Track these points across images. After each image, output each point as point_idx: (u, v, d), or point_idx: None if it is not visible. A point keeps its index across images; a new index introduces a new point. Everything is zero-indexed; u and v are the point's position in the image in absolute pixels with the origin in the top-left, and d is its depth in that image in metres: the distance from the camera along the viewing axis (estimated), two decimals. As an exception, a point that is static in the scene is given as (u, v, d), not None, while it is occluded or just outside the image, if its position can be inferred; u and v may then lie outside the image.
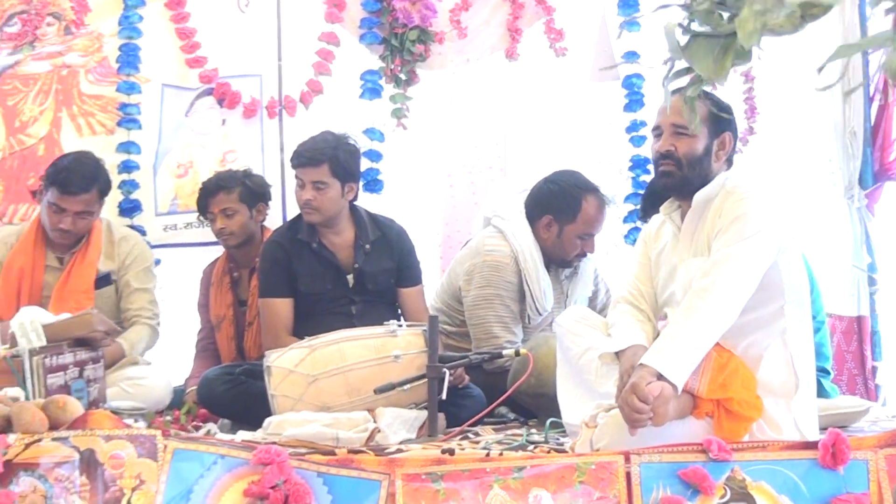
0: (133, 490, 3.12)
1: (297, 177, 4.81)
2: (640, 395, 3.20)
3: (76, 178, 4.82)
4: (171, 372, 5.14)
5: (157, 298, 5.14)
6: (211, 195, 5.21)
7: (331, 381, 4.09)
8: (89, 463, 3.13)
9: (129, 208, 5.73)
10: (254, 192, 5.23)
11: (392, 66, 5.97)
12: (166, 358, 5.33)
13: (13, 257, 4.96)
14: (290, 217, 5.13)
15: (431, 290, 5.16)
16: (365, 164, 5.77)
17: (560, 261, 4.89)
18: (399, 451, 3.49)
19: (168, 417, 4.60)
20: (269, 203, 5.35)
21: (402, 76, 5.99)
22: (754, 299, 3.38)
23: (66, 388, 3.87)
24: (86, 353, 4.12)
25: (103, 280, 5.01)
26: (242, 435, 3.86)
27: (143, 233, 5.53)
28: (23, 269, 4.92)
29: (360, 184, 5.03)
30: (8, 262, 4.95)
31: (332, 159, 4.69)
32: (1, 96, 5.82)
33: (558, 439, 3.75)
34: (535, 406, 4.34)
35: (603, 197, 4.84)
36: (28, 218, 5.53)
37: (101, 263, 5.01)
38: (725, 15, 2.17)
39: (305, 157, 4.75)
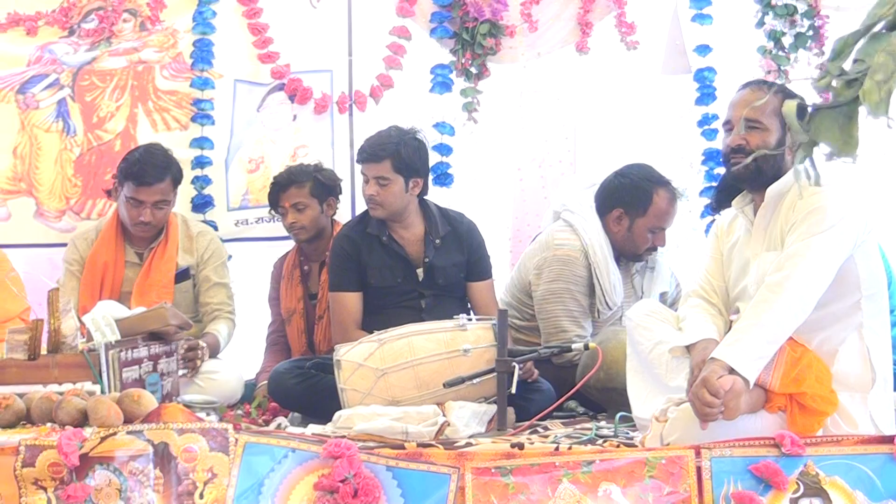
0: (205, 483, 3.15)
1: (361, 172, 4.82)
2: (712, 389, 3.17)
3: (150, 169, 4.88)
4: (242, 366, 5.17)
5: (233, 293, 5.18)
6: (282, 190, 5.22)
7: (400, 374, 4.07)
8: (163, 456, 3.16)
9: (201, 203, 5.76)
10: (324, 186, 5.23)
11: (463, 60, 5.95)
12: (238, 352, 5.35)
13: (96, 253, 5.04)
14: (360, 212, 5.11)
15: (501, 284, 5.13)
16: (435, 158, 5.77)
17: (631, 254, 4.84)
18: (468, 444, 3.46)
19: (239, 411, 4.62)
20: (340, 197, 5.36)
21: (473, 70, 5.96)
22: (829, 293, 3.33)
23: (140, 382, 3.91)
24: (159, 347, 4.17)
25: (182, 275, 5.08)
26: (312, 428, 3.86)
27: (215, 228, 5.57)
28: (106, 265, 5.00)
29: (430, 178, 5.01)
30: (91, 258, 5.03)
31: (394, 155, 4.68)
32: (79, 92, 5.88)
33: (628, 433, 3.71)
34: (604, 400, 4.31)
35: (674, 190, 4.78)
36: (105, 213, 5.59)
37: (180, 258, 5.08)
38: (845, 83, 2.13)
39: (368, 152, 4.75)
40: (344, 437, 3.40)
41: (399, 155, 4.68)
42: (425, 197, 4.92)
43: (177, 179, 5.04)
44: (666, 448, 3.18)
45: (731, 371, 3.21)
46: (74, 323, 3.96)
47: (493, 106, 6.03)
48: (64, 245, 5.35)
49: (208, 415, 3.83)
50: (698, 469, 3.01)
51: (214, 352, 4.88)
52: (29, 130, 5.88)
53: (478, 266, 4.88)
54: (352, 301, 4.75)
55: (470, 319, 4.27)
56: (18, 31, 5.90)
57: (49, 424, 3.37)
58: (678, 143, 5.86)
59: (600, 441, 3.53)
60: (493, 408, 3.93)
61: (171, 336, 4.25)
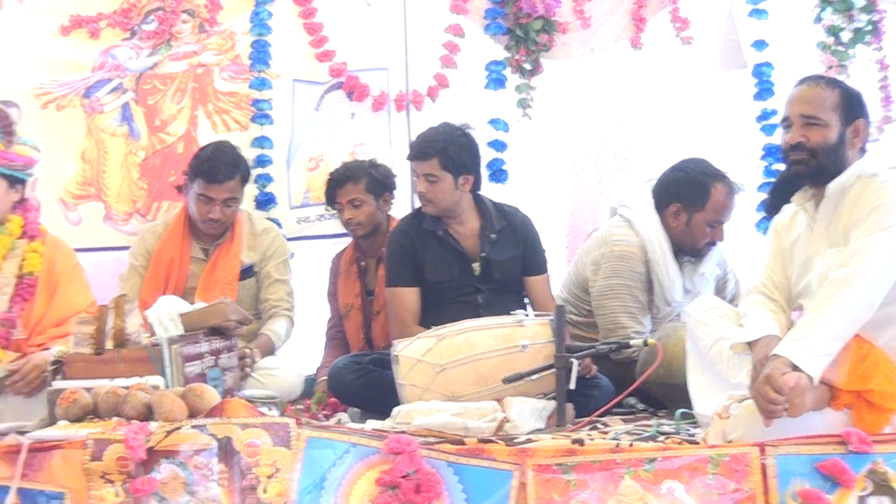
0: (269, 478, 3.14)
1: (412, 169, 4.80)
2: (775, 386, 3.13)
3: (220, 167, 4.90)
4: (302, 361, 5.17)
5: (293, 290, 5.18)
6: (338, 186, 5.21)
7: (459, 370, 4.04)
8: (226, 451, 3.16)
9: (264, 201, 5.77)
10: (380, 182, 5.22)
11: (517, 57, 5.93)
12: (298, 348, 5.35)
13: (162, 248, 5.06)
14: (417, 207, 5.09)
15: (558, 280, 5.08)
16: (490, 154, 5.77)
17: (689, 249, 4.76)
18: (528, 441, 3.42)
19: (299, 406, 4.61)
20: (395, 193, 5.34)
21: (527, 66, 5.95)
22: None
23: (202, 377, 3.90)
24: (220, 342, 4.16)
25: (246, 272, 5.08)
26: (372, 424, 3.84)
27: (279, 226, 5.56)
28: (172, 260, 5.03)
29: (486, 173, 4.99)
30: (158, 252, 5.06)
31: (441, 153, 4.66)
32: (142, 96, 5.92)
33: (689, 430, 3.65)
34: (665, 396, 4.25)
35: (732, 184, 4.70)
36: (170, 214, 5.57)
37: (245, 255, 5.09)
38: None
39: (416, 150, 4.75)
40: (404, 432, 3.38)
41: (446, 152, 4.65)
42: (479, 192, 4.88)
43: (245, 177, 5.06)
44: (730, 445, 3.13)
45: (794, 368, 3.16)
46: (138, 320, 3.98)
47: (547, 102, 6.00)
48: (127, 247, 5.37)
49: (269, 410, 3.81)
50: (763, 466, 2.96)
51: (269, 351, 4.87)
52: (95, 135, 5.93)
53: (534, 260, 4.84)
54: (409, 296, 4.73)
55: (527, 315, 4.23)
56: (81, 34, 5.94)
57: (115, 419, 3.37)
58: (735, 138, 5.80)
59: (661, 438, 3.49)
60: (552, 404, 3.89)
61: (231, 331, 4.24)
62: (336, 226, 5.51)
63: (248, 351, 4.53)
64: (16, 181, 4.45)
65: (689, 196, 4.68)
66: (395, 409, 3.89)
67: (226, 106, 5.89)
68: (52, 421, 3.50)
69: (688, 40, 5.87)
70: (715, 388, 3.56)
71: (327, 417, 4.40)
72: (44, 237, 4.53)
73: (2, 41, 5.88)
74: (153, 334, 3.98)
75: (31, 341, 4.35)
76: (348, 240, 5.44)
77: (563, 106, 6.07)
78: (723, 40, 5.82)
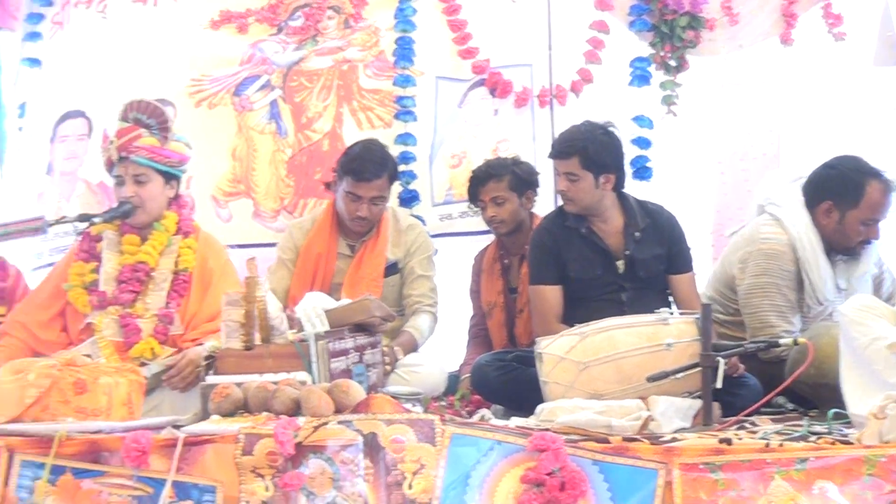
0: (414, 474, 3.16)
1: (555, 166, 4.79)
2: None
3: (369, 165, 4.95)
4: (445, 358, 5.18)
5: (436, 285, 5.20)
6: (481, 184, 5.21)
7: (602, 368, 3.99)
8: (372, 446, 3.18)
9: (408, 198, 5.79)
10: (522, 179, 5.20)
11: (662, 53, 5.87)
12: (441, 344, 5.37)
13: (310, 243, 5.14)
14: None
15: (703, 278, 5.00)
16: (634, 151, 5.72)
17: (842, 248, 4.62)
18: (674, 439, 3.37)
19: (443, 403, 4.62)
20: (538, 190, 5.31)
21: (672, 63, 5.89)
22: None
23: (347, 373, 3.92)
24: (364, 339, 4.19)
25: (391, 268, 5.12)
26: (516, 421, 3.81)
27: (423, 223, 5.58)
28: (319, 256, 5.10)
29: (630, 171, 4.94)
30: (306, 248, 5.14)
31: (581, 151, 4.60)
32: (288, 93, 6.00)
33: (842, 430, 3.52)
34: (816, 396, 4.14)
35: (888, 181, 4.55)
36: (315, 211, 5.61)
37: (390, 252, 5.12)
38: None
39: (557, 149, 4.72)
40: (548, 429, 3.35)
41: (586, 152, 4.60)
42: (623, 190, 4.82)
43: (393, 177, 5.11)
44: (886, 445, 3.05)
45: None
46: (277, 304, 4.04)
47: (692, 99, 5.93)
48: (275, 244, 5.43)
49: (413, 406, 3.83)
50: (921, 468, 2.86)
51: (413, 348, 4.90)
52: (245, 133, 6.01)
53: (679, 258, 4.77)
54: (552, 294, 4.69)
55: (672, 313, 4.17)
56: (230, 28, 6.07)
57: (265, 413, 3.42)
58: (889, 136, 5.65)
59: (813, 438, 3.38)
60: (698, 403, 3.82)
61: (375, 328, 4.27)
62: (479, 223, 5.49)
63: (385, 349, 4.55)
64: (171, 178, 4.58)
65: (842, 193, 4.55)
66: (539, 407, 3.86)
67: (370, 103, 5.92)
68: (204, 415, 3.56)
69: (840, 36, 5.74)
70: (871, 389, 3.44)
71: (470, 414, 4.38)
72: (197, 233, 4.63)
73: (157, 36, 6.04)
74: (299, 330, 4.01)
75: (185, 336, 4.45)
76: (491, 237, 5.43)
77: (710, 103, 5.98)
78: (878, 36, 5.66)
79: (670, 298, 4.76)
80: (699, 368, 3.81)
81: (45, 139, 6.17)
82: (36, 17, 6.33)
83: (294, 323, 4.06)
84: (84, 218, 4.53)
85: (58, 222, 4.58)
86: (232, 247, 5.06)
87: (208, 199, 5.98)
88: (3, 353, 4.33)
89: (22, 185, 6.21)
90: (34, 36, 6.32)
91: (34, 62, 6.29)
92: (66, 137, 6.14)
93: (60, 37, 6.29)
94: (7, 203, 6.12)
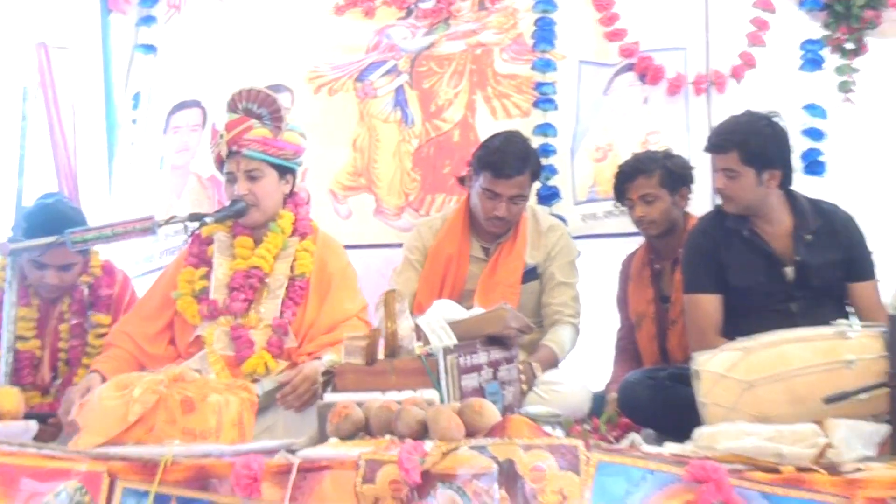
0: (556, 507, 3.07)
1: (712, 160, 4.74)
2: None
3: (510, 160, 4.93)
4: (589, 376, 5.15)
5: (579, 293, 5.16)
6: (628, 180, 5.14)
7: (770, 388, 3.85)
8: (509, 475, 3.08)
9: (548, 195, 5.79)
10: (675, 175, 5.12)
11: (837, 35, 5.73)
12: (585, 360, 5.35)
13: (440, 245, 5.14)
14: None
15: (889, 287, 4.76)
16: (804, 144, 5.61)
17: None
18: (857, 470, 3.22)
19: (587, 426, 4.50)
20: (692, 187, 5.22)
21: (849, 45, 5.75)
22: None
23: (480, 391, 3.88)
24: (499, 353, 4.13)
25: (530, 274, 5.10)
26: (670, 447, 3.68)
27: (564, 222, 5.52)
28: (450, 258, 5.10)
29: (799, 166, 4.87)
30: (435, 250, 5.14)
31: (741, 146, 4.51)
32: (416, 78, 6.07)
33: None
34: None
35: None
36: (444, 209, 5.69)
37: (528, 256, 5.10)
38: None
39: (713, 142, 4.64)
40: (708, 457, 3.24)
41: (747, 145, 4.50)
42: (791, 188, 4.70)
43: (536, 173, 5.08)
44: None
45: None
46: (410, 324, 3.97)
47: (872, 85, 5.77)
48: (399, 246, 5.47)
49: (554, 429, 3.72)
50: None
51: (552, 364, 4.87)
52: (367, 121, 6.10)
53: (859, 264, 4.62)
54: (710, 304, 4.60)
55: (852, 326, 3.99)
56: (356, 13, 6.17)
57: (388, 436, 3.36)
58: None
59: None
60: (885, 428, 3.62)
61: (511, 340, 4.21)
62: (626, 223, 5.40)
63: (521, 366, 4.49)
64: (286, 171, 4.60)
65: None
66: (697, 431, 3.69)
67: (506, 90, 5.95)
68: (321, 438, 3.52)
69: None
70: None
71: (618, 439, 4.24)
72: (315, 234, 4.65)
73: (280, 22, 6.15)
74: (426, 343, 3.96)
75: (301, 349, 4.47)
76: (640, 239, 5.36)
77: (892, 89, 5.82)
78: None
79: (849, 309, 4.62)
80: (886, 388, 3.64)
81: (158, 131, 6.32)
82: (151, 0, 6.48)
83: (420, 335, 4.01)
84: (195, 217, 4.53)
85: (168, 222, 4.58)
86: (351, 247, 5.10)
87: (326, 193, 6.09)
88: (109, 365, 4.41)
89: (134, 181, 6.38)
90: (149, 20, 6.53)
91: (149, 48, 6.53)
92: (178, 129, 6.31)
93: (176, 21, 6.46)
94: (118, 200, 6.29)
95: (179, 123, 6.26)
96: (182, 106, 6.27)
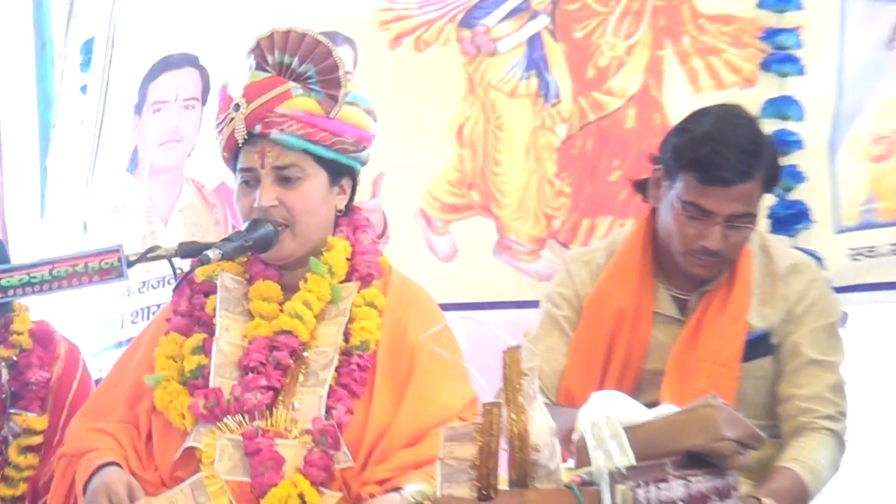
0: None
1: None
2: None
3: (730, 155, 4.77)
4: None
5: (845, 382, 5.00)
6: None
7: None
8: None
9: (788, 217, 5.69)
10: None
11: None
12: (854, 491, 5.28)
13: (604, 294, 5.03)
14: None
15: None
16: None
17: None
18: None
19: None
20: None
21: None
22: None
23: (675, 548, 3.79)
24: (705, 481, 3.95)
25: (758, 345, 4.93)
26: None
27: (819, 262, 5.41)
28: (620, 315, 4.97)
29: None
30: (595, 301, 5.04)
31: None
32: (564, 22, 6.10)
33: None
34: None
35: None
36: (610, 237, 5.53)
37: (755, 315, 4.95)
38: None
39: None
40: None
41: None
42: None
43: (771, 179, 4.94)
44: None
45: None
46: (547, 420, 3.78)
47: None
48: (535, 304, 5.38)
49: None
50: None
51: (797, 501, 4.70)
52: (482, 94, 6.15)
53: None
54: None
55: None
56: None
57: None
58: None
59: None
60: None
61: (726, 460, 4.00)
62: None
63: (759, 500, 4.36)
64: (341, 172, 4.50)
65: None
66: None
67: (716, 41, 5.89)
68: None
69: None
70: None
71: None
72: (386, 279, 4.56)
73: None
74: (584, 461, 3.78)
75: (365, 475, 4.35)
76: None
77: None
78: None
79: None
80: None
81: (126, 108, 6.40)
82: None
83: (570, 447, 3.87)
84: (189, 250, 4.43)
85: (145, 257, 4.47)
86: (453, 307, 5.31)
87: (413, 215, 6.16)
88: (116, 451, 4.41)
89: (84, 191, 6.46)
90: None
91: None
92: (162, 105, 6.38)
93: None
94: (56, 223, 6.39)
95: (163, 95, 6.33)
96: (167, 65, 6.35)
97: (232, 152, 4.46)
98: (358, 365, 4.37)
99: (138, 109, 6.31)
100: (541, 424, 3.70)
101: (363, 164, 4.60)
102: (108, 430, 4.48)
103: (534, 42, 6.05)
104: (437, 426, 4.15)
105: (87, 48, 6.30)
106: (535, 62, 6.04)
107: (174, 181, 6.23)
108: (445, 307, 4.82)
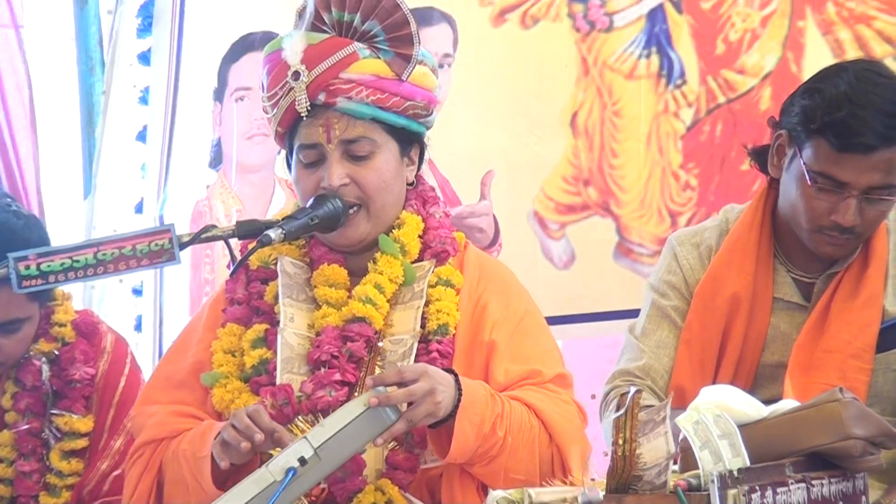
0: None
1: None
2: None
3: (869, 118, 4.57)
4: None
5: None
6: None
7: None
8: None
9: None
10: None
11: None
12: None
13: (718, 278, 4.81)
14: None
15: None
16: None
17: None
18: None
19: None
20: None
21: None
22: None
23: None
24: (835, 483, 3.83)
25: (894, 331, 4.65)
26: None
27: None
28: (735, 300, 4.76)
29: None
30: (707, 286, 4.83)
31: None
32: None
33: None
34: None
35: None
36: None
37: (892, 298, 4.73)
38: None
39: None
40: None
41: None
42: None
43: None
44: None
45: None
46: (668, 447, 3.61)
47: None
48: None
49: None
50: None
51: None
52: (596, 77, 6.11)
53: None
54: None
55: None
56: None
57: None
58: None
59: None
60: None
61: (855, 462, 3.83)
62: None
63: None
64: (411, 141, 4.42)
65: None
66: None
67: (862, 7, 5.76)
68: None
69: None
70: None
71: None
72: (462, 255, 4.50)
73: None
74: (687, 464, 3.68)
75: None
76: None
77: None
78: None
79: None
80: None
81: (205, 92, 6.31)
82: None
83: (676, 448, 3.67)
84: (248, 230, 4.37)
85: (198, 238, 4.38)
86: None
87: (526, 218, 6.16)
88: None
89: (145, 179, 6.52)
90: None
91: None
92: (246, 92, 6.43)
93: None
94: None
95: (246, 81, 6.40)
96: (248, 46, 6.37)
97: (288, 127, 4.42)
98: (438, 352, 4.30)
99: (218, 95, 6.35)
100: (658, 449, 3.60)
101: (430, 127, 4.55)
102: (152, 434, 4.43)
103: (655, 15, 6.01)
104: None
105: (146, 11, 6.35)
106: (657, 38, 6.00)
107: (265, 181, 6.27)
108: (564, 319, 4.88)
